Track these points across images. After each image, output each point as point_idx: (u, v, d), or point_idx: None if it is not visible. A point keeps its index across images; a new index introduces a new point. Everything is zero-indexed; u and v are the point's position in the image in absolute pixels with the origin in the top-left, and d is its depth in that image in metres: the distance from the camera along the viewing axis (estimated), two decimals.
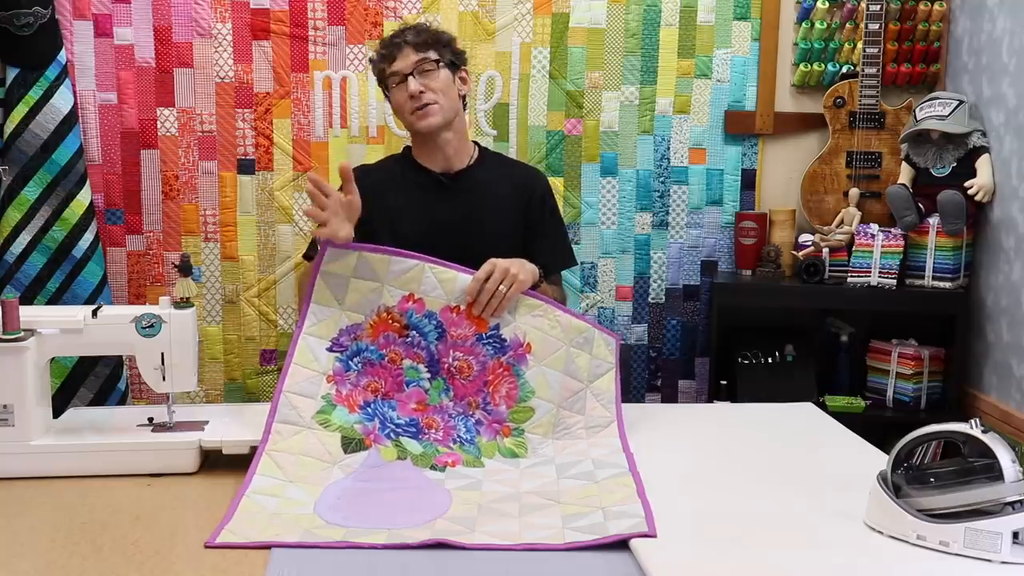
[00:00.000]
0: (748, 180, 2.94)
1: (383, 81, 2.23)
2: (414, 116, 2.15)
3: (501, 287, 1.89)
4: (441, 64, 2.16)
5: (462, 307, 1.89)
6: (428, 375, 1.88)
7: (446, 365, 1.88)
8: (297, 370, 1.81)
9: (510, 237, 2.21)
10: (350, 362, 1.84)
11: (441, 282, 1.90)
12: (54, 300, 2.61)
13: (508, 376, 1.88)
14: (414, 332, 1.87)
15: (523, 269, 1.95)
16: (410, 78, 2.13)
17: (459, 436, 1.82)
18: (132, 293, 2.80)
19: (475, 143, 2.32)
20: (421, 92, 2.12)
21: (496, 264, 1.91)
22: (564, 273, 2.84)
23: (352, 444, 1.74)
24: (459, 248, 2.14)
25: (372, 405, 1.81)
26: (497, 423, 1.86)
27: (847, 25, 2.87)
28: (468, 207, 2.21)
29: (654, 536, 1.41)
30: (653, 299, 2.95)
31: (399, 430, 1.80)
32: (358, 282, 1.88)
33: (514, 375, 1.88)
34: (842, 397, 2.82)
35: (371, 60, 2.27)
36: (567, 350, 1.91)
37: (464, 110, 2.26)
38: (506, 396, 1.88)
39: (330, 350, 1.86)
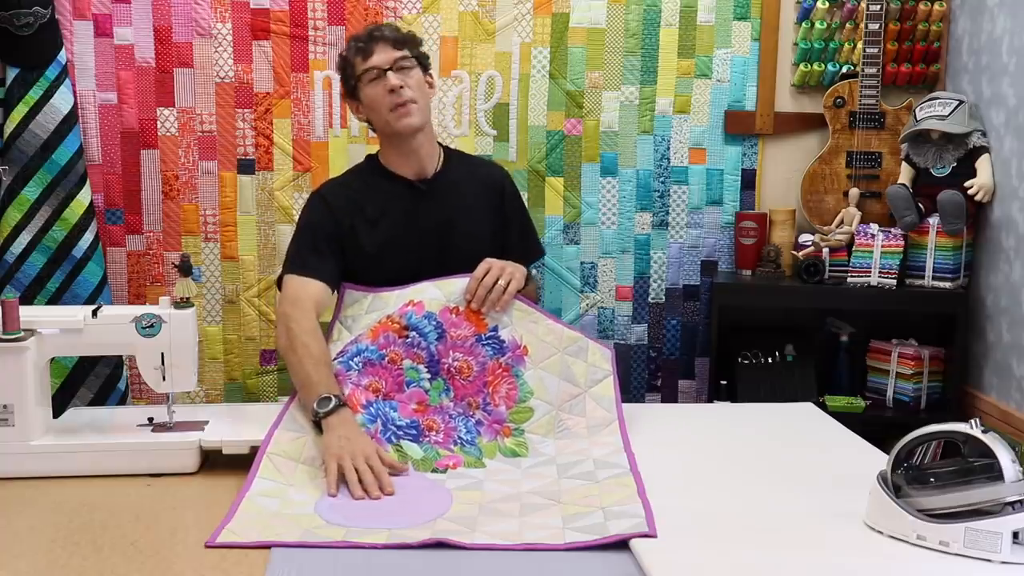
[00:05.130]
0: (748, 180, 2.93)
1: (352, 79, 2.16)
2: (394, 114, 2.10)
3: (500, 282, 1.90)
4: (416, 63, 2.16)
5: (461, 308, 1.90)
6: (428, 375, 1.88)
7: (446, 365, 1.89)
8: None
9: (487, 236, 2.20)
10: (351, 362, 1.85)
11: (439, 285, 1.91)
12: (54, 300, 2.61)
13: (507, 376, 1.89)
14: (414, 333, 1.88)
15: (517, 267, 1.99)
16: (390, 73, 2.10)
17: (460, 437, 1.83)
18: (132, 293, 2.80)
19: (438, 143, 2.29)
20: (401, 87, 2.10)
21: (492, 262, 1.94)
22: (564, 272, 2.86)
23: None
24: (440, 252, 2.13)
25: (374, 406, 1.81)
26: (497, 423, 1.86)
27: (847, 25, 2.86)
28: (445, 211, 2.18)
29: (654, 536, 1.42)
30: (653, 299, 2.95)
31: (400, 432, 1.80)
32: (368, 316, 1.95)
33: (513, 376, 1.89)
34: (842, 397, 2.81)
35: (341, 56, 2.21)
36: (562, 356, 1.93)
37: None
38: (505, 396, 1.88)
39: (333, 358, 1.88)
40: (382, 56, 2.12)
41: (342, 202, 2.17)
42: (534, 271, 2.43)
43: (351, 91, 2.19)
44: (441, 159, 2.25)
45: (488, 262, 1.94)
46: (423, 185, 2.19)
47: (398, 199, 2.17)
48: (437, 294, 1.91)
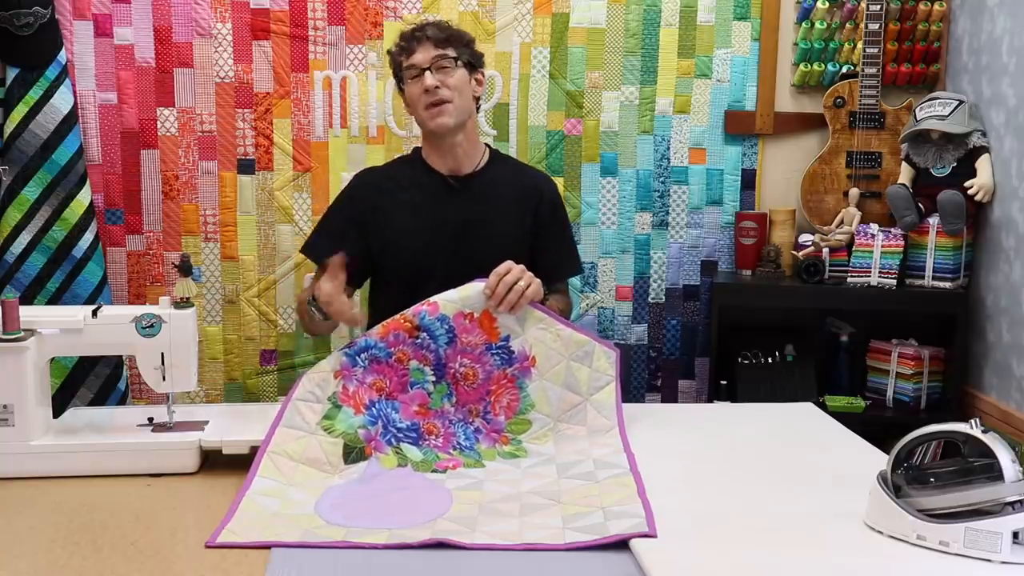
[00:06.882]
0: (748, 180, 2.94)
1: (398, 74, 2.24)
2: (427, 113, 2.16)
3: (520, 283, 1.89)
4: (459, 62, 2.18)
5: (476, 315, 1.89)
6: (433, 378, 1.88)
7: (452, 370, 1.88)
8: (311, 376, 1.83)
9: (516, 241, 2.21)
10: (357, 358, 1.84)
11: (458, 289, 1.90)
12: (54, 300, 2.61)
13: (511, 388, 1.89)
14: (424, 334, 1.87)
15: (536, 279, 1.96)
16: (427, 73, 2.14)
17: (459, 443, 1.83)
18: (132, 293, 2.80)
19: (487, 145, 2.33)
20: (437, 87, 2.13)
21: (514, 264, 1.92)
22: None
23: (353, 454, 1.74)
24: (463, 249, 2.14)
25: (377, 405, 1.81)
26: (495, 432, 1.87)
27: (847, 25, 2.86)
28: (474, 209, 2.21)
29: (654, 536, 1.41)
30: (653, 299, 2.95)
31: (401, 435, 1.80)
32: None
33: (517, 387, 1.89)
34: (842, 397, 2.82)
35: (389, 52, 2.29)
36: (567, 364, 1.92)
37: (477, 112, 2.27)
38: (506, 407, 1.89)
39: (339, 349, 1.87)
40: (422, 55, 2.16)
41: (370, 186, 2.28)
42: (571, 293, 2.44)
43: (399, 87, 2.27)
44: (485, 159, 2.27)
45: (510, 263, 1.92)
46: (455, 182, 2.22)
47: (428, 192, 2.23)
48: (453, 296, 1.90)
